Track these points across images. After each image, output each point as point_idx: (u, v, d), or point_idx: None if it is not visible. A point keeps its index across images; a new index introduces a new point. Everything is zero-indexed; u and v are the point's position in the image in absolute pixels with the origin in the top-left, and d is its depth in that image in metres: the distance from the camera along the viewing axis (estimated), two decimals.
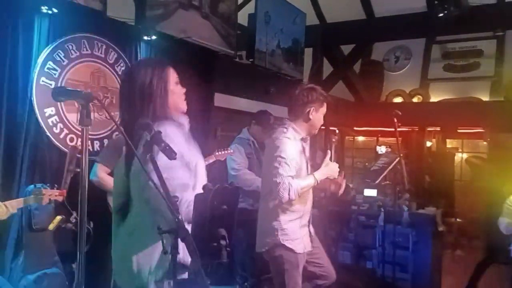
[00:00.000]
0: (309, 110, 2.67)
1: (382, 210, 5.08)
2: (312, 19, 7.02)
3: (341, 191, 2.75)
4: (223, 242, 1.39)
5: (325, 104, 2.71)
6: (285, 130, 2.67)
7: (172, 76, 1.80)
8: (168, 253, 1.35)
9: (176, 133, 1.64)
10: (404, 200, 5.46)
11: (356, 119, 8.02)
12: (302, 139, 2.73)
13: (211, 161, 3.67)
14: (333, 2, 7.24)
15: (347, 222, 5.51)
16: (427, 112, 7.66)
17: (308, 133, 2.74)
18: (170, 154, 1.41)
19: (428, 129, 8.16)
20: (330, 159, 2.66)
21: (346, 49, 7.80)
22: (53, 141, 3.42)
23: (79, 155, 2.65)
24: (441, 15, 5.65)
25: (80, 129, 2.95)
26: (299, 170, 2.62)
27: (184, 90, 1.85)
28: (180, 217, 1.31)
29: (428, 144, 8.31)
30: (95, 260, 2.73)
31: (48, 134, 3.39)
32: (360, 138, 9.24)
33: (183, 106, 1.84)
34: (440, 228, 5.10)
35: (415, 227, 4.87)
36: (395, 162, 3.46)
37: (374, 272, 4.98)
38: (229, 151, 3.81)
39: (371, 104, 8.31)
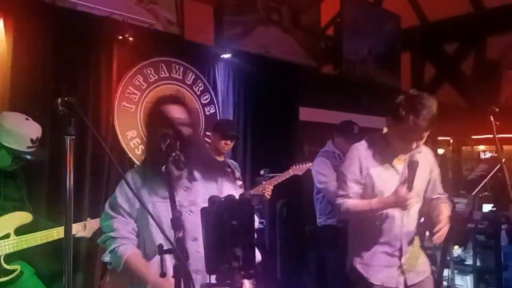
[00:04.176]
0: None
1: (504, 228, 4.38)
2: (409, 20, 6.49)
3: (438, 240, 2.06)
4: (235, 264, 1.19)
5: (406, 117, 2.00)
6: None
7: None
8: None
9: None
10: None
11: (471, 126, 7.10)
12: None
13: (287, 176, 3.47)
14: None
15: (463, 242, 4.89)
16: None
17: None
18: (178, 163, 1.28)
19: None
20: (410, 187, 2.02)
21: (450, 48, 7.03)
22: (136, 162, 3.54)
23: None
24: None
25: None
26: (373, 185, 2.17)
27: None
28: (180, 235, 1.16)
29: None
30: None
31: (130, 155, 3.53)
32: (481, 147, 8.22)
33: None
34: None
35: None
36: (495, 169, 2.86)
37: None
38: (307, 165, 3.56)
39: (489, 107, 7.30)
